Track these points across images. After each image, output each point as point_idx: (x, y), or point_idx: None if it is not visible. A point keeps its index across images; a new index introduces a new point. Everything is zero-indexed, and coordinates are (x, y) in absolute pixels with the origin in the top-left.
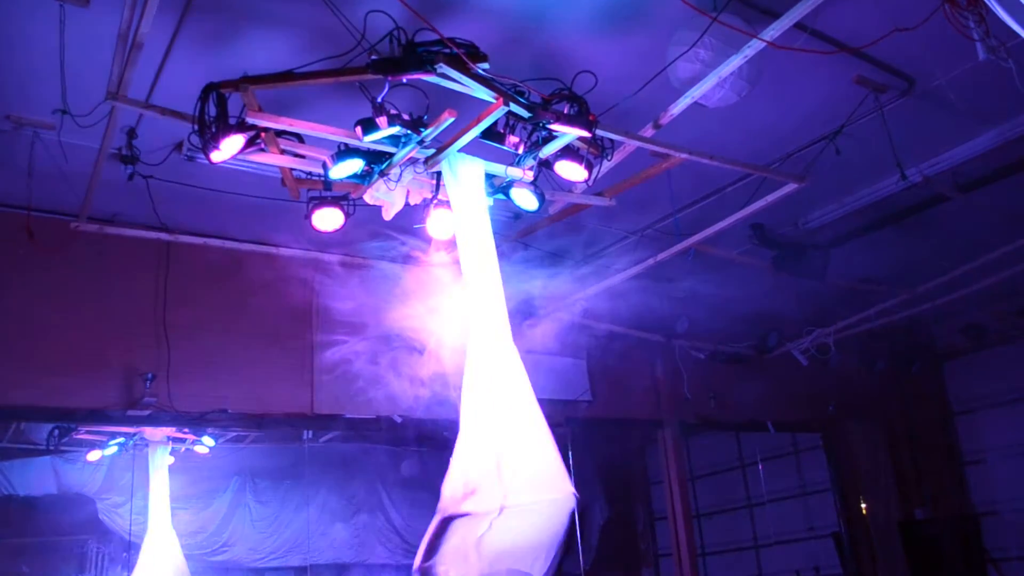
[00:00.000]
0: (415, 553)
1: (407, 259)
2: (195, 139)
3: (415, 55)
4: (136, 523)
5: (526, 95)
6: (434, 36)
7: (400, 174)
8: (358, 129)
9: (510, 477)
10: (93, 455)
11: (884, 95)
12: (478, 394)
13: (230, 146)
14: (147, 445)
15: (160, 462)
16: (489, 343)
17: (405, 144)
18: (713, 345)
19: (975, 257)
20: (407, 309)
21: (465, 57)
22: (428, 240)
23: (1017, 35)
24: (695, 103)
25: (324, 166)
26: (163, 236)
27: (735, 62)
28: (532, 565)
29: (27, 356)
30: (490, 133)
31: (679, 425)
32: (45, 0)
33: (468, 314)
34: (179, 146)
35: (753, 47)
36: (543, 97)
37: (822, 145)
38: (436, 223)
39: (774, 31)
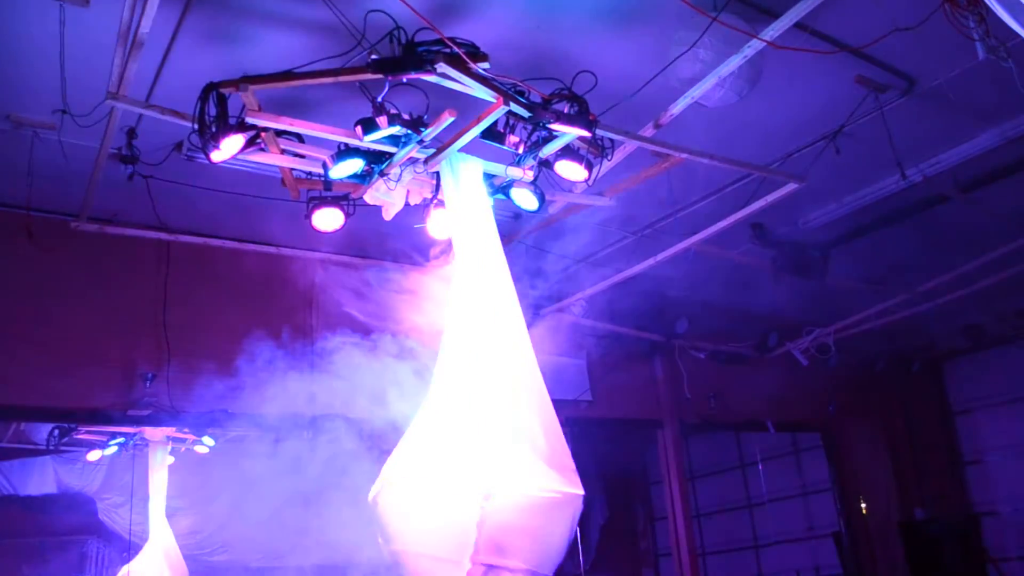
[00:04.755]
0: None
1: (409, 259)
2: (195, 139)
3: (415, 55)
4: (136, 523)
5: (526, 95)
6: (434, 36)
7: (400, 174)
8: (358, 129)
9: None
10: (93, 455)
11: (884, 95)
12: (488, 382)
13: (230, 146)
14: (147, 445)
15: (160, 462)
16: (502, 341)
17: (405, 144)
18: (713, 345)
19: (975, 257)
20: (408, 309)
21: (465, 57)
22: (430, 241)
23: (1017, 35)
24: (695, 103)
25: (324, 166)
26: (163, 236)
27: (735, 62)
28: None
29: (27, 356)
30: (490, 133)
31: (679, 425)
32: (45, 0)
33: (468, 312)
34: (179, 146)
35: (753, 47)
36: (543, 97)
37: (822, 145)
38: (436, 223)
39: (774, 31)
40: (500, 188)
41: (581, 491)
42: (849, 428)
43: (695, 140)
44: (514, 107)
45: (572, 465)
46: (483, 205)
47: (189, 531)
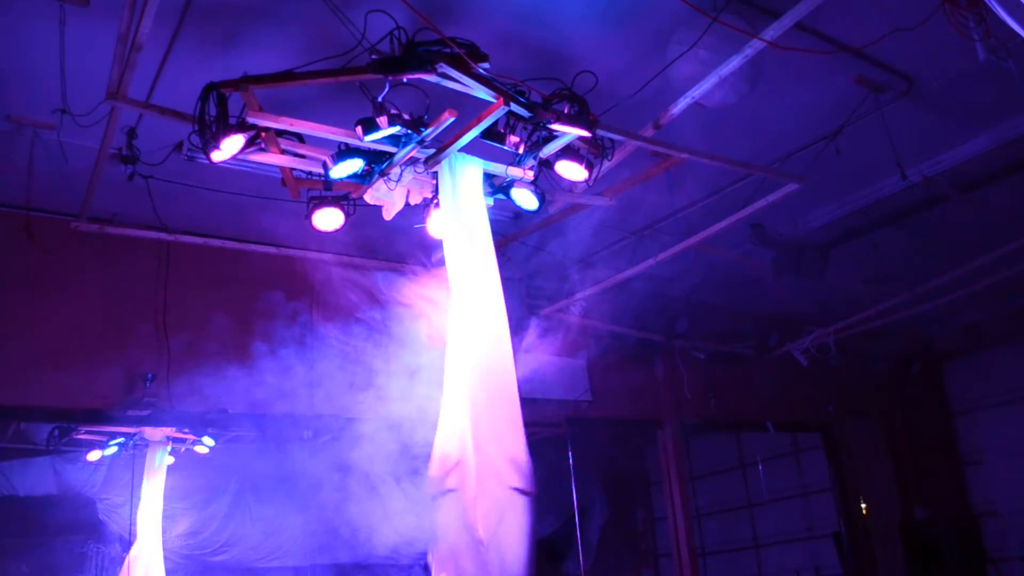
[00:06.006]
0: (415, 552)
1: (412, 260)
2: (195, 139)
3: (415, 55)
4: (136, 523)
5: (526, 95)
6: (434, 36)
7: (400, 174)
8: (358, 129)
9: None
10: (93, 455)
11: (884, 95)
12: (463, 382)
13: (230, 146)
14: (147, 445)
15: (157, 463)
16: (485, 342)
17: (405, 144)
18: (713, 345)
19: (975, 257)
20: (409, 310)
21: (465, 57)
22: (433, 241)
23: (1017, 35)
24: (695, 103)
25: (324, 166)
26: (163, 236)
27: (735, 62)
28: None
29: (27, 356)
30: (490, 133)
31: (679, 425)
32: (45, 0)
33: (457, 312)
34: (179, 146)
35: (753, 47)
36: (543, 97)
37: (822, 145)
38: (436, 223)
39: (774, 31)
40: (500, 188)
41: (531, 490)
42: (849, 428)
43: (695, 140)
44: (514, 107)
45: (527, 465)
46: (479, 208)
47: (189, 531)
